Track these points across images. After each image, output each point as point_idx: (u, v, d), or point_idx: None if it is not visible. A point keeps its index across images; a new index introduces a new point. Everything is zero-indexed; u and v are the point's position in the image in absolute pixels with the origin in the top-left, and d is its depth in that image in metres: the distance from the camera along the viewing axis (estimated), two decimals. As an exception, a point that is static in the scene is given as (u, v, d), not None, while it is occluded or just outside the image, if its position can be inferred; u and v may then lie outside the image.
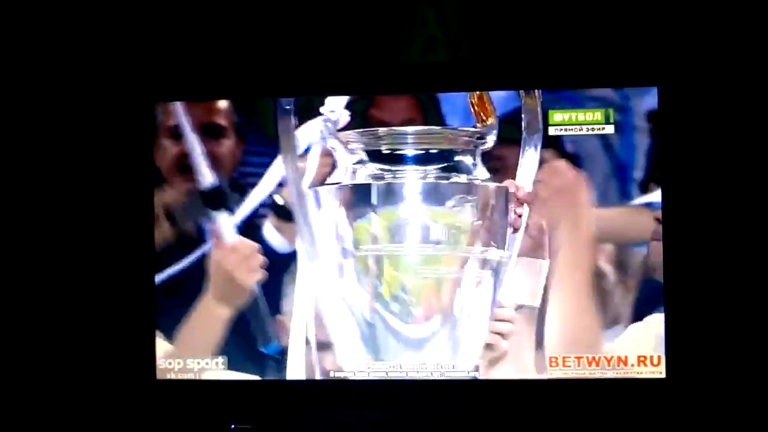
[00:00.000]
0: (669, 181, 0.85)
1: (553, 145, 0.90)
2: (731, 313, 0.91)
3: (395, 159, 0.91)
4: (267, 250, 0.96)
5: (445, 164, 0.91)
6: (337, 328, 0.90)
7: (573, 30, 1.04)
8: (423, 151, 0.91)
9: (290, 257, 0.95)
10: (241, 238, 0.96)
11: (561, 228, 0.88)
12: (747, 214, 0.91)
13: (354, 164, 0.92)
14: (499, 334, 0.90)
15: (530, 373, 0.90)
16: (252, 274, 0.95)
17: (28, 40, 1.07)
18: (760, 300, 0.90)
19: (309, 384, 0.92)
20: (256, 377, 0.92)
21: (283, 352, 0.93)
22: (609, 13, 1.02)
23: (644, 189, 0.89)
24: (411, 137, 0.92)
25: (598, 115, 0.87)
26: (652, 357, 0.86)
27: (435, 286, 0.89)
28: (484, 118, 0.90)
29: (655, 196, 0.89)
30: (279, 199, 0.95)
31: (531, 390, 0.90)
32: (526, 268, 0.90)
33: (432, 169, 0.90)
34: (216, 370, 0.92)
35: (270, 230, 0.97)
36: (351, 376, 0.90)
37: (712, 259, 0.91)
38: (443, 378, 0.89)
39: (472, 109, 0.91)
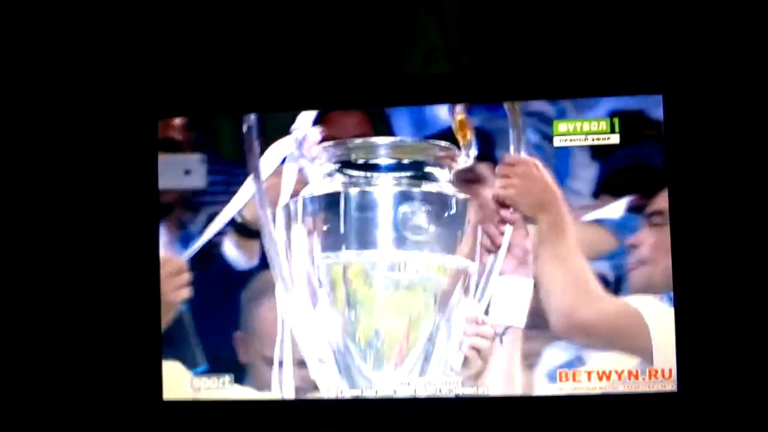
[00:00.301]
0: (676, 189, 0.83)
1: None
2: (744, 323, 0.89)
3: (367, 168, 0.90)
4: (227, 266, 0.95)
5: (418, 173, 0.90)
6: (311, 351, 0.89)
7: (575, 38, 1.03)
8: (395, 161, 0.90)
9: (249, 274, 0.95)
10: (169, 254, 0.96)
11: (546, 242, 0.87)
12: (758, 222, 0.89)
13: (325, 176, 0.92)
14: (475, 350, 0.89)
15: (516, 391, 0.89)
16: (177, 292, 0.94)
17: (27, 53, 1.07)
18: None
19: (288, 404, 0.90)
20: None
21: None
22: (612, 21, 1.00)
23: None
24: (384, 148, 0.91)
25: (603, 124, 0.85)
26: (663, 370, 0.84)
27: (407, 322, 0.88)
28: (464, 134, 0.90)
29: (606, 212, 0.87)
30: (239, 217, 0.94)
31: (541, 406, 0.89)
32: (510, 288, 0.88)
33: (404, 177, 0.89)
34: (222, 389, 0.90)
35: (229, 247, 0.95)
36: (327, 395, 0.88)
37: (722, 269, 0.89)
38: (437, 396, 0.88)
39: (453, 125, 0.91)
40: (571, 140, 0.87)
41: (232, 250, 0.95)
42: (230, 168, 0.96)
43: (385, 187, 0.90)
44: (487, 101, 0.89)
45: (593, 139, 0.86)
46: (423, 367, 0.89)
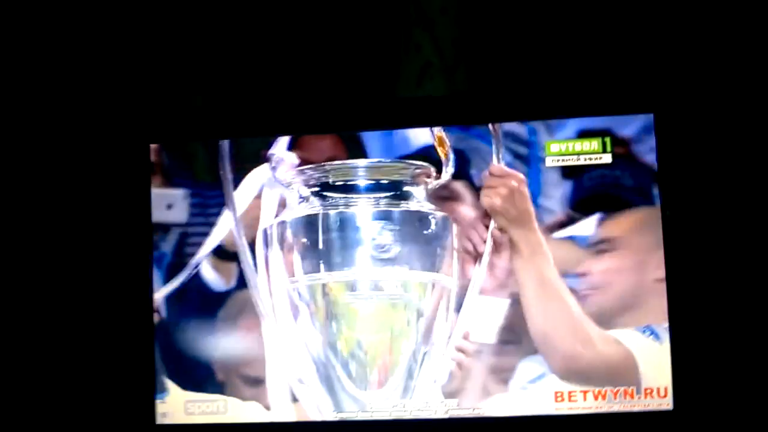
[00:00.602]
0: (669, 206, 0.83)
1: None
2: (739, 341, 0.89)
3: (345, 190, 0.91)
4: (203, 287, 0.96)
5: (396, 193, 0.91)
6: (293, 371, 0.89)
7: (568, 56, 1.03)
8: (373, 182, 0.91)
9: (226, 295, 0.96)
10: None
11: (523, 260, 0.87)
12: (752, 241, 0.89)
13: (301, 200, 0.93)
14: (457, 364, 0.90)
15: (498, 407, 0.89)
16: None
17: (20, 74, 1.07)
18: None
19: (311, 426, 0.90)
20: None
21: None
22: (604, 38, 1.01)
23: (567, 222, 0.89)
24: (362, 170, 0.92)
25: (595, 144, 0.85)
26: (658, 388, 0.84)
27: (389, 337, 0.89)
28: (444, 151, 0.91)
29: (578, 229, 0.88)
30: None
31: (538, 427, 0.88)
32: (486, 307, 0.89)
33: (382, 197, 0.90)
34: (216, 414, 0.90)
35: (207, 268, 0.96)
36: (320, 417, 0.88)
37: (717, 287, 0.89)
38: (447, 417, 0.87)
39: (435, 143, 0.91)
40: (564, 160, 0.86)
41: (209, 273, 0.96)
42: (206, 191, 0.98)
43: (362, 207, 0.90)
44: (477, 122, 0.89)
45: (585, 159, 0.86)
46: (407, 384, 0.90)
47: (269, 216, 0.95)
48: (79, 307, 1.04)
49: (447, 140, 0.92)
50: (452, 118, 0.91)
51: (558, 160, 0.87)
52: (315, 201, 0.93)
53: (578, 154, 0.87)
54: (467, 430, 0.89)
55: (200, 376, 0.95)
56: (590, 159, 0.87)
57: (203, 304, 0.95)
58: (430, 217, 0.90)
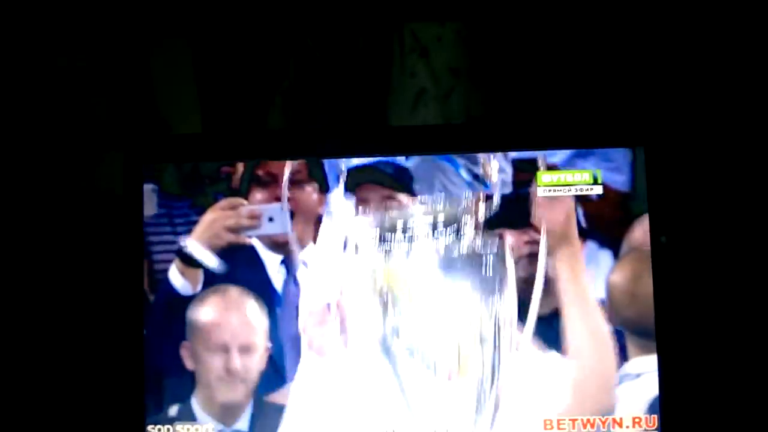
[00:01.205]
0: (658, 241, 0.84)
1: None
2: (730, 369, 0.89)
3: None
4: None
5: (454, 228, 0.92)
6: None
7: (560, 88, 1.05)
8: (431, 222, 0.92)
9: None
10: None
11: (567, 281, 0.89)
12: (740, 268, 0.90)
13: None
14: None
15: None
16: None
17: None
18: (763, 355, 0.88)
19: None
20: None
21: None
22: (597, 71, 1.03)
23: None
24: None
25: (586, 176, 0.86)
26: (646, 418, 0.84)
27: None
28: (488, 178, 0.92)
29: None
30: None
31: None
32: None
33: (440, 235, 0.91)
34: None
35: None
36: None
37: (707, 316, 0.89)
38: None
39: (481, 171, 0.93)
40: (556, 190, 0.87)
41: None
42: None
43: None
44: (469, 151, 0.90)
45: (577, 190, 0.87)
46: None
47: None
48: (65, 321, 1.03)
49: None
50: (449, 146, 0.91)
51: (549, 191, 0.88)
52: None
53: (569, 185, 0.88)
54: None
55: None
56: (581, 190, 0.88)
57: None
58: (487, 247, 0.91)
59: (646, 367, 0.89)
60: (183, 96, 1.21)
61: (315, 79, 1.22)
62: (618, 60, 1.06)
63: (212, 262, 0.96)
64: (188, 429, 0.92)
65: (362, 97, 1.20)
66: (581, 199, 0.92)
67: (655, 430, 0.87)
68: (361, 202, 0.96)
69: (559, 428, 0.87)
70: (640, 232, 0.91)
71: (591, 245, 0.94)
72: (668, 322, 0.86)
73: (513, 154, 0.94)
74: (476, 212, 0.94)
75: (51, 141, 1.13)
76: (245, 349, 0.96)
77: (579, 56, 1.10)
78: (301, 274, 0.97)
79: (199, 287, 0.98)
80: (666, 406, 0.86)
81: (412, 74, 1.20)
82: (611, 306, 0.91)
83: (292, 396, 0.95)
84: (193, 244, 0.96)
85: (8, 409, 1.02)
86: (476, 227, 0.94)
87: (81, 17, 1.15)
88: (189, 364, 0.97)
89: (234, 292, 0.98)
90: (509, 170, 0.95)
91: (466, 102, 1.19)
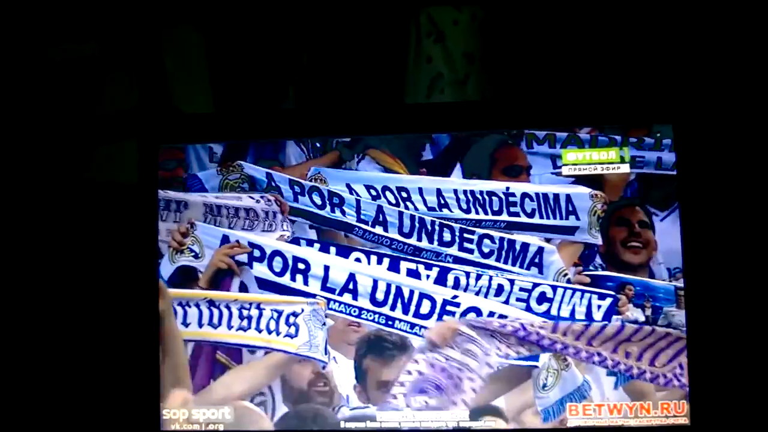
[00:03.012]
0: (688, 223, 0.78)
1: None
2: (760, 355, 0.84)
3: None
4: None
5: None
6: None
7: (582, 66, 1.00)
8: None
9: None
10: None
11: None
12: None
13: None
14: None
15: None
16: None
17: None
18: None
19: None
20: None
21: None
22: (621, 50, 0.98)
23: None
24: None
25: (612, 153, 0.81)
26: (675, 404, 0.79)
27: None
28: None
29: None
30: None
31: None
32: None
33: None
34: (223, 421, 0.84)
35: None
36: (362, 427, 0.82)
37: (736, 299, 0.84)
38: (459, 428, 0.82)
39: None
40: (580, 169, 0.82)
41: None
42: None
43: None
44: (491, 128, 0.85)
45: (602, 169, 0.82)
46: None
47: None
48: (82, 312, 0.99)
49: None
50: (464, 124, 0.86)
51: (574, 169, 0.83)
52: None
53: (595, 163, 0.83)
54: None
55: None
56: (607, 169, 0.83)
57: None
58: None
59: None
60: (196, 85, 1.18)
61: (329, 65, 1.18)
62: (648, 36, 1.01)
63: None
64: (204, 413, 0.88)
65: (377, 83, 1.15)
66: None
67: (684, 416, 0.81)
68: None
69: (584, 413, 0.82)
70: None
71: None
72: (697, 307, 0.82)
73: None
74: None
75: (60, 131, 1.10)
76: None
77: (597, 39, 1.05)
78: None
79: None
80: (695, 393, 0.81)
81: (428, 59, 1.16)
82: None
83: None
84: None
85: (25, 389, 0.99)
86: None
87: (91, 3, 1.12)
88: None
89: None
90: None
91: (483, 88, 1.14)
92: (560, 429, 0.82)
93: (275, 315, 0.88)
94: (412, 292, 0.85)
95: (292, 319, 0.87)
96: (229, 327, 0.89)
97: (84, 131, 1.10)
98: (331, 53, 1.16)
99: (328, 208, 0.88)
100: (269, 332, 0.88)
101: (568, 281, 0.84)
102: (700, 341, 0.80)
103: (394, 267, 0.87)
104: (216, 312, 0.89)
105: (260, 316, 0.88)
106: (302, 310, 0.87)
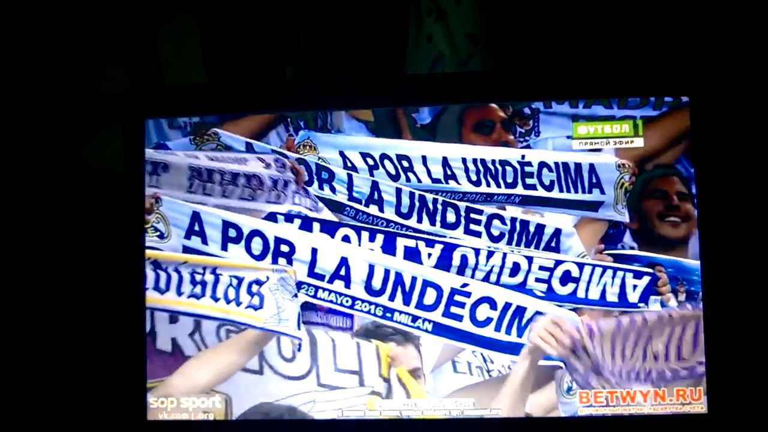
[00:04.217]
0: (705, 198, 0.73)
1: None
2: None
3: None
4: None
5: None
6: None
7: (590, 47, 0.95)
8: None
9: None
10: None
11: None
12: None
13: None
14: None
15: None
16: None
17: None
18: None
19: (313, 424, 0.78)
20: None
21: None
22: (636, 21, 0.93)
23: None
24: None
25: (626, 127, 0.75)
26: (692, 391, 0.73)
27: None
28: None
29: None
30: None
31: (561, 429, 0.77)
32: None
33: None
34: (213, 410, 0.78)
35: None
36: (361, 416, 0.76)
37: (755, 283, 0.79)
38: (463, 417, 0.76)
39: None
40: (592, 143, 0.76)
41: None
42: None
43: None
44: (503, 100, 0.79)
45: (615, 143, 0.76)
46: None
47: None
48: (66, 301, 0.94)
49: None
50: (485, 95, 0.81)
51: (585, 143, 0.77)
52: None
53: (607, 137, 0.77)
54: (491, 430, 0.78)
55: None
56: (621, 143, 0.77)
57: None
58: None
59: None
60: (189, 66, 1.13)
61: (327, 45, 1.13)
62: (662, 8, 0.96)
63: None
64: (194, 401, 0.81)
65: (377, 63, 1.10)
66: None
67: (701, 404, 0.76)
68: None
69: (596, 401, 0.77)
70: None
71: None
72: (715, 289, 0.76)
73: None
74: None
75: (49, 113, 1.04)
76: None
77: (605, 19, 1.00)
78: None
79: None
80: (712, 378, 0.76)
81: (429, 38, 1.11)
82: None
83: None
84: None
85: (6, 378, 0.94)
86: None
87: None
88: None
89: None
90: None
91: (487, 68, 1.09)
92: (569, 418, 0.76)
93: (234, 282, 0.78)
94: (414, 280, 0.75)
95: (255, 288, 0.77)
96: (179, 293, 0.79)
97: (72, 115, 1.05)
98: (328, 33, 1.10)
99: (315, 184, 0.77)
100: (228, 302, 0.78)
101: (591, 264, 0.73)
102: (718, 325, 0.75)
103: (389, 245, 0.77)
104: (163, 275, 0.79)
105: (216, 281, 0.78)
106: (267, 279, 0.77)
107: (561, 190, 0.77)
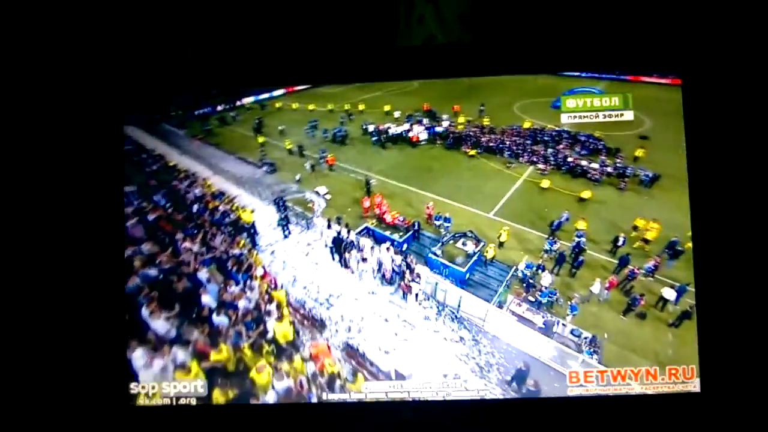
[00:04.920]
0: (696, 176, 0.70)
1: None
2: (768, 318, 0.76)
3: None
4: None
5: None
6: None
7: (585, 28, 0.92)
8: None
9: None
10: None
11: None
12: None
13: None
14: None
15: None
16: None
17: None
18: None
19: (295, 407, 0.76)
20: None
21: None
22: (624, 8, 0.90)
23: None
24: None
25: (616, 100, 0.73)
26: (684, 369, 0.70)
27: None
28: None
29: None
30: None
31: (550, 410, 0.75)
32: None
33: None
34: (195, 394, 0.75)
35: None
36: (346, 398, 0.74)
37: (744, 265, 0.77)
38: (450, 399, 0.73)
39: None
40: (581, 117, 0.74)
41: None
42: None
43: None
44: (489, 73, 0.76)
45: (605, 117, 0.74)
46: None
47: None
48: (52, 294, 0.92)
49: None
50: (476, 68, 0.78)
51: (574, 117, 0.75)
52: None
53: (597, 110, 0.74)
54: (475, 413, 0.76)
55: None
56: (610, 116, 0.74)
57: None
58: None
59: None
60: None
61: (318, 26, 1.10)
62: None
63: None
64: (175, 386, 0.79)
65: (367, 43, 1.07)
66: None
67: (693, 383, 0.74)
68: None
69: (586, 381, 0.74)
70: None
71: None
72: (705, 270, 0.74)
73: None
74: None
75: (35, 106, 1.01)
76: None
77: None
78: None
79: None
80: (705, 355, 0.74)
81: (420, 20, 1.08)
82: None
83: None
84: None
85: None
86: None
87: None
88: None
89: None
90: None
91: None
92: (558, 398, 0.74)
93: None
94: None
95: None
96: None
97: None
98: (319, 13, 1.07)
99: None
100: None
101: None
102: (711, 306, 0.72)
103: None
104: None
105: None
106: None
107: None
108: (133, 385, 0.77)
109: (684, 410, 0.74)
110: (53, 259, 0.91)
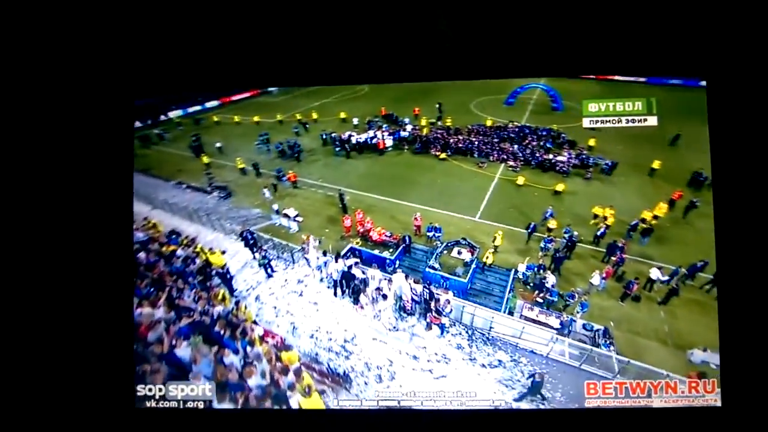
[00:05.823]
0: (720, 183, 0.68)
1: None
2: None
3: None
4: None
5: None
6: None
7: (610, 19, 0.90)
8: None
9: None
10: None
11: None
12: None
13: None
14: None
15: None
16: None
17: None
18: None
19: (307, 414, 0.74)
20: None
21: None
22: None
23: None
24: None
25: (639, 104, 0.70)
26: (705, 383, 0.68)
27: None
28: None
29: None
30: None
31: (566, 421, 0.72)
32: None
33: None
34: (203, 398, 0.73)
35: None
36: (357, 406, 0.71)
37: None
38: (463, 408, 0.71)
39: None
40: (603, 122, 0.71)
41: None
42: None
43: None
44: (532, 76, 0.74)
45: (627, 121, 0.71)
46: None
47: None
48: (57, 294, 0.90)
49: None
50: (515, 71, 0.76)
51: (596, 122, 0.72)
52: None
53: (620, 115, 0.72)
54: (484, 425, 0.73)
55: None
56: (634, 121, 0.72)
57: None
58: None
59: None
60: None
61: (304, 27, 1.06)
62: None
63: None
64: (182, 389, 0.76)
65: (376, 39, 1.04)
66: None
67: (715, 396, 0.71)
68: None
69: (604, 393, 0.72)
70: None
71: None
72: (729, 280, 0.71)
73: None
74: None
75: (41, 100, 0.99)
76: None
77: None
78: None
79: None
80: (726, 369, 0.71)
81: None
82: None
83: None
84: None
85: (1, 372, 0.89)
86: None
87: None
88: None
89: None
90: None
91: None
92: (576, 410, 0.71)
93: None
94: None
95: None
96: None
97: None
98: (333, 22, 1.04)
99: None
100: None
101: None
102: (733, 319, 0.70)
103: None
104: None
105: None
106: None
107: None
108: (139, 387, 0.75)
109: (705, 425, 0.72)
110: (58, 263, 0.89)
